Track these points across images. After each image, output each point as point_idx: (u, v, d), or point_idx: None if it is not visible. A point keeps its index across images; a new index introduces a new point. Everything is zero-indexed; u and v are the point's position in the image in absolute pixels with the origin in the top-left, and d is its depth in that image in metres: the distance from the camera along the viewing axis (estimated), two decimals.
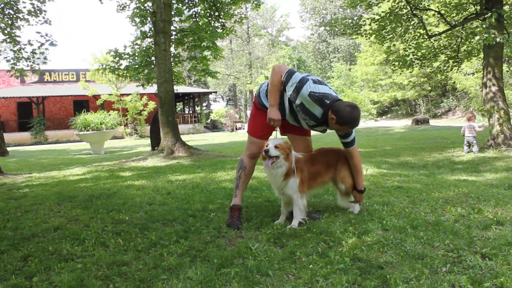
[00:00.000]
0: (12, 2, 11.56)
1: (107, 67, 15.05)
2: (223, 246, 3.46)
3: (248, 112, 64.15)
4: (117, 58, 14.43)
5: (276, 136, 4.24)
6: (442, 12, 12.85)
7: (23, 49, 11.98)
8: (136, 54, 14.51)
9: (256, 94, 4.39)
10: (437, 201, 4.77)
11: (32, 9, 11.90)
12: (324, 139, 14.14)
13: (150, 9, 13.14)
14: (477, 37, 10.29)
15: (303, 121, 4.07)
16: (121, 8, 14.51)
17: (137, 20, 13.97)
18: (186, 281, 2.79)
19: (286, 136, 4.49)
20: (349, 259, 3.01)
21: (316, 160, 4.24)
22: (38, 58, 12.38)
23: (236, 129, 37.52)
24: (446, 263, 2.88)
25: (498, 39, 9.88)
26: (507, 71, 29.86)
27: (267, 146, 3.89)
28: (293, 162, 3.97)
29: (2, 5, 11.47)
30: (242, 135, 28.03)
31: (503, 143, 10.75)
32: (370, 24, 12.93)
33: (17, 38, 11.85)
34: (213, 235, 3.76)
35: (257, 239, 3.59)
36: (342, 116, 3.79)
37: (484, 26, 9.82)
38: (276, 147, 3.87)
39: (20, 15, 11.85)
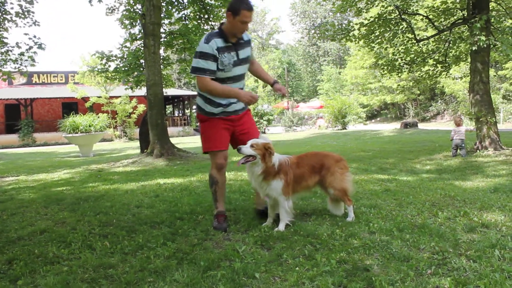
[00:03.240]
0: None
1: (96, 69, 14.97)
2: (210, 248, 3.46)
3: None
4: (105, 60, 14.36)
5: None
6: (430, 17, 12.97)
7: (11, 51, 11.87)
8: (125, 56, 14.46)
9: (196, 113, 4.36)
10: (424, 204, 4.81)
11: (20, 11, 11.80)
12: (314, 142, 14.18)
13: (140, 12, 13.11)
14: (469, 41, 10.38)
15: (229, 64, 4.03)
16: (110, 11, 14.45)
17: (126, 22, 13.92)
18: (173, 283, 2.79)
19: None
20: (335, 261, 3.02)
21: (302, 163, 4.24)
22: (26, 61, 12.27)
23: None
24: (431, 265, 2.91)
25: (487, 43, 9.99)
26: (494, 76, 30.23)
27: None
28: (275, 164, 3.98)
29: None
30: None
31: (490, 147, 10.86)
32: (359, 29, 13.01)
33: (5, 40, 11.74)
34: (200, 237, 3.76)
35: (244, 242, 3.60)
36: (232, 5, 3.86)
37: (473, 30, 9.92)
38: (252, 146, 3.90)
39: (8, 17, 11.75)
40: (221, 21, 4.04)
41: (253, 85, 39.49)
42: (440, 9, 12.84)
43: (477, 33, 9.88)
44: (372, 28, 12.83)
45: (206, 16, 14.69)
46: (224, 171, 4.31)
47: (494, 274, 2.67)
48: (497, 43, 10.13)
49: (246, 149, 3.90)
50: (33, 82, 36.76)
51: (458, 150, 10.81)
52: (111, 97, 31.29)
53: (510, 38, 9.93)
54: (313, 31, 55.26)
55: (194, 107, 59.17)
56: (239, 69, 4.13)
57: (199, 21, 14.81)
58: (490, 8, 11.19)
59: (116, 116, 32.01)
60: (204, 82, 3.97)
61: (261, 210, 4.43)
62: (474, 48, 10.23)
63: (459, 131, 10.83)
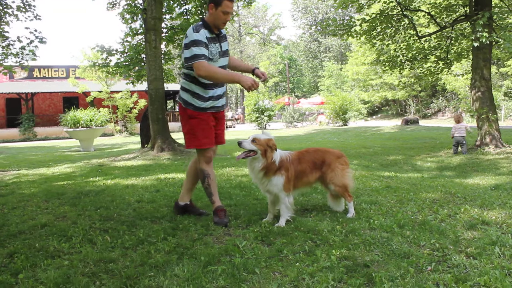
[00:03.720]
0: None
1: (97, 64, 14.94)
2: (210, 243, 3.47)
3: (239, 110, 64.10)
4: (105, 54, 14.33)
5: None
6: (432, 13, 12.94)
7: (12, 45, 11.86)
8: (126, 50, 14.42)
9: (181, 109, 4.26)
10: (425, 201, 4.81)
11: (21, 4, 11.78)
12: (314, 138, 14.18)
13: (141, 6, 13.07)
14: (471, 37, 10.35)
15: (216, 54, 4.08)
16: (111, 6, 14.40)
17: (127, 17, 13.88)
18: (173, 278, 2.79)
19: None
20: (335, 257, 3.03)
21: (303, 159, 4.24)
22: (27, 55, 12.26)
23: (227, 127, 37.49)
24: (431, 262, 2.91)
25: (489, 40, 9.97)
26: (496, 73, 30.18)
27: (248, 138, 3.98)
28: (276, 160, 3.99)
29: None
30: (232, 133, 28.00)
31: (491, 144, 10.86)
32: (360, 25, 12.98)
33: (6, 34, 11.73)
34: (200, 232, 3.76)
35: (245, 237, 3.60)
36: None
37: (476, 27, 9.90)
38: (253, 141, 3.91)
39: (9, 11, 11.73)
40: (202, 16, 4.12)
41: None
42: (442, 6, 12.82)
43: (480, 29, 9.86)
44: (373, 24, 12.81)
45: (207, 11, 14.64)
46: (212, 163, 4.34)
47: (494, 271, 2.67)
48: (499, 40, 10.11)
49: (247, 143, 3.90)
50: (34, 76, 36.72)
51: (459, 147, 10.81)
52: (112, 92, 31.26)
53: None
54: (314, 27, 55.11)
55: None
56: (222, 61, 4.19)
57: (200, 16, 14.75)
58: (493, 5, 11.16)
59: (117, 110, 31.99)
60: (205, 66, 3.91)
61: (181, 205, 4.47)
62: (476, 45, 10.21)
63: (459, 128, 10.82)
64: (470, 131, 11.14)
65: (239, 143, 3.93)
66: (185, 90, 4.19)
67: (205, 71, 3.92)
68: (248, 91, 4.10)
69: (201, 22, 4.05)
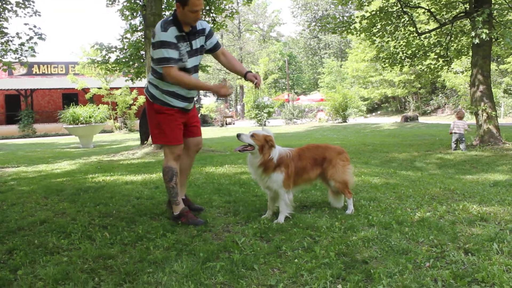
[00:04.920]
0: None
1: (96, 61, 14.92)
2: (209, 240, 3.47)
3: (239, 107, 64.09)
4: (104, 52, 14.32)
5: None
6: (432, 10, 12.92)
7: (11, 41, 11.84)
8: (126, 47, 14.40)
9: (149, 101, 4.14)
10: (423, 198, 4.82)
11: (21, 0, 11.75)
12: (314, 134, 14.18)
13: (140, 3, 13.05)
14: (471, 34, 10.34)
15: (185, 54, 3.92)
16: (110, 2, 14.38)
17: (127, 13, 13.86)
18: (172, 274, 2.80)
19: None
20: (334, 253, 3.03)
21: (304, 156, 4.23)
22: (26, 51, 12.24)
23: (226, 124, 37.47)
24: (430, 258, 2.92)
25: (489, 36, 9.96)
26: (496, 70, 30.16)
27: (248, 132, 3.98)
28: (275, 157, 3.99)
29: None
30: (232, 130, 28.01)
31: (490, 141, 10.87)
32: (360, 22, 12.96)
33: (5, 30, 11.71)
34: (199, 229, 3.76)
35: (244, 234, 3.60)
36: None
37: (476, 24, 9.89)
38: (252, 136, 3.92)
39: (8, 6, 11.70)
40: (174, 8, 3.90)
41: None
42: (442, 2, 12.80)
43: (480, 26, 9.85)
44: (373, 21, 12.80)
45: (207, 8, 14.62)
46: (179, 161, 4.23)
47: (492, 267, 2.67)
48: (499, 36, 10.11)
49: (246, 137, 3.91)
50: (34, 72, 36.67)
51: (458, 143, 10.82)
52: (112, 89, 31.24)
53: None
54: (314, 24, 55.09)
55: (195, 99, 59.13)
56: (192, 60, 4.01)
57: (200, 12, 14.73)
58: (493, 2, 11.15)
59: (116, 107, 32.00)
60: (172, 73, 3.80)
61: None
62: (476, 42, 10.20)
63: (458, 125, 10.81)
64: (469, 130, 11.10)
65: (238, 136, 3.94)
66: (156, 88, 4.04)
67: (172, 79, 3.84)
68: (223, 98, 4.08)
69: (171, 18, 3.85)
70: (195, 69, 4.09)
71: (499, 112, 26.40)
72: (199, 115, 43.15)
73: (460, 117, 11.07)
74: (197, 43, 4.00)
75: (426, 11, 13.06)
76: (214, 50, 4.21)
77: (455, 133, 10.79)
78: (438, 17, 13.04)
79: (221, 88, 3.92)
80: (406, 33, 13.30)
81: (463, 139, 10.78)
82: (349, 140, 15.61)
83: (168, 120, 4.04)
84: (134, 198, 5.22)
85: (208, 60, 45.90)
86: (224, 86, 3.95)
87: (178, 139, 4.10)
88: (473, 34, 10.24)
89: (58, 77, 36.85)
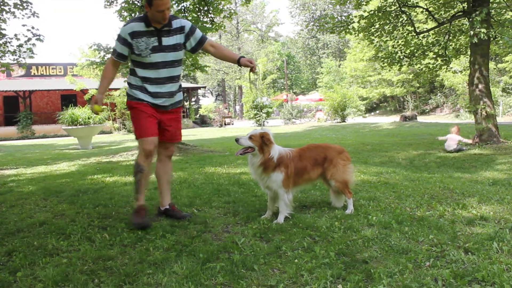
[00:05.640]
0: None
1: (94, 62, 14.89)
2: (209, 240, 3.47)
3: (237, 107, 64.09)
4: (103, 53, 14.29)
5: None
6: (430, 9, 12.93)
7: (9, 42, 11.80)
8: None
9: (128, 99, 4.19)
10: (423, 197, 4.82)
11: (18, 1, 11.72)
12: (313, 134, 14.18)
13: (139, 4, 13.03)
14: (469, 33, 10.33)
15: (147, 49, 3.93)
16: (108, 3, 14.35)
17: (125, 14, 13.83)
18: (172, 275, 2.79)
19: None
20: (334, 253, 3.03)
21: (304, 156, 4.23)
22: (25, 52, 12.20)
23: (225, 124, 37.47)
24: (430, 257, 2.92)
25: (487, 36, 9.97)
26: (494, 69, 30.20)
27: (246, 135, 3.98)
28: (275, 156, 3.99)
29: None
30: (231, 130, 28.01)
31: (488, 140, 10.88)
32: (358, 22, 12.97)
33: (3, 31, 11.67)
34: (199, 229, 3.76)
35: (243, 234, 3.60)
36: None
37: (475, 23, 9.89)
38: (250, 137, 3.92)
39: (6, 8, 11.67)
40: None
41: (252, 78, 39.37)
42: (440, 1, 12.81)
43: (478, 26, 9.85)
44: (372, 21, 12.80)
45: (205, 8, 14.61)
46: (151, 159, 4.16)
47: (492, 266, 2.67)
48: (498, 35, 10.12)
49: (244, 140, 3.92)
50: (32, 74, 36.64)
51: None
52: (110, 89, 31.13)
53: (511, 30, 9.90)
54: (312, 24, 55.14)
55: (194, 99, 59.16)
56: (160, 56, 3.97)
57: (198, 13, 14.72)
58: (491, 1, 11.16)
59: (115, 108, 31.96)
60: (106, 64, 4.12)
61: (161, 210, 4.35)
62: (475, 41, 10.21)
63: (453, 139, 10.59)
64: (463, 148, 10.69)
65: (236, 140, 3.95)
66: (128, 83, 4.15)
67: (104, 68, 4.13)
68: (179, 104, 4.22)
69: (142, 15, 3.97)
70: (164, 64, 4.02)
71: (498, 111, 26.44)
72: (198, 115, 43.23)
73: (456, 132, 10.72)
74: (170, 40, 3.99)
75: (424, 10, 13.06)
76: (201, 44, 4.17)
77: (450, 147, 10.47)
78: (436, 16, 13.05)
79: (93, 103, 4.01)
80: (405, 32, 13.30)
81: (461, 148, 10.44)
82: (348, 139, 15.62)
83: (137, 113, 4.07)
84: (134, 200, 5.21)
85: (207, 60, 45.99)
86: (92, 103, 4.02)
87: (147, 132, 4.03)
88: (471, 33, 10.24)
89: (56, 78, 36.82)
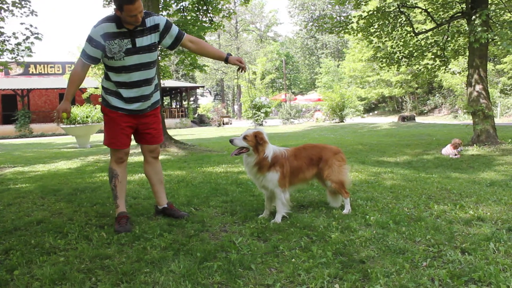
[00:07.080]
0: None
1: None
2: (206, 240, 3.47)
3: (236, 107, 64.10)
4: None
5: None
6: (429, 10, 12.94)
7: (7, 41, 11.79)
8: None
9: (102, 104, 4.04)
10: (420, 197, 4.83)
11: (17, 0, 11.71)
12: (311, 134, 14.18)
13: None
14: (472, 38, 10.32)
15: (120, 52, 3.71)
16: (107, 2, 14.35)
17: None
18: (169, 274, 2.79)
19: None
20: (331, 253, 3.03)
21: (300, 156, 4.23)
22: (23, 51, 12.19)
23: (223, 124, 37.46)
24: (427, 257, 2.92)
25: (487, 38, 9.97)
26: (492, 70, 30.25)
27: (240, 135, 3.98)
28: (269, 156, 3.99)
29: None
30: (229, 130, 28.00)
31: (486, 141, 10.89)
32: (357, 22, 12.97)
33: (1, 30, 11.66)
34: (196, 229, 3.76)
35: (241, 233, 3.60)
36: (115, 0, 3.56)
37: (475, 27, 9.90)
38: (244, 138, 3.93)
39: (4, 6, 11.66)
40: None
41: (251, 77, 39.44)
42: (439, 2, 12.81)
43: (479, 29, 9.86)
44: (371, 21, 12.80)
45: (204, 8, 14.61)
46: (125, 164, 4.10)
47: (488, 267, 2.68)
48: (496, 38, 10.13)
49: (239, 141, 3.93)
50: (30, 72, 36.63)
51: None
52: None
53: (509, 32, 9.91)
54: (311, 24, 55.14)
55: (192, 99, 59.12)
56: (134, 58, 3.76)
57: (197, 13, 14.73)
58: (489, 2, 11.17)
59: None
60: (74, 67, 3.82)
61: (159, 209, 4.31)
62: (476, 46, 10.22)
63: (452, 151, 10.50)
64: (460, 149, 10.55)
65: (231, 141, 3.96)
66: (102, 87, 3.99)
67: (72, 72, 3.85)
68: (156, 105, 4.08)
69: (112, 14, 3.68)
70: (139, 67, 3.83)
71: (496, 112, 26.48)
72: (196, 115, 43.22)
73: (455, 147, 10.65)
74: (143, 40, 3.77)
75: (423, 11, 13.07)
76: (178, 41, 3.98)
77: (449, 155, 10.32)
78: (435, 17, 13.05)
79: (60, 112, 3.78)
80: (403, 33, 13.30)
81: (458, 155, 10.32)
82: (346, 139, 15.62)
83: (110, 122, 3.96)
84: (131, 198, 5.22)
85: (206, 60, 45.96)
86: (59, 112, 3.78)
87: (118, 144, 3.96)
88: (472, 39, 10.22)
89: (54, 77, 36.81)
